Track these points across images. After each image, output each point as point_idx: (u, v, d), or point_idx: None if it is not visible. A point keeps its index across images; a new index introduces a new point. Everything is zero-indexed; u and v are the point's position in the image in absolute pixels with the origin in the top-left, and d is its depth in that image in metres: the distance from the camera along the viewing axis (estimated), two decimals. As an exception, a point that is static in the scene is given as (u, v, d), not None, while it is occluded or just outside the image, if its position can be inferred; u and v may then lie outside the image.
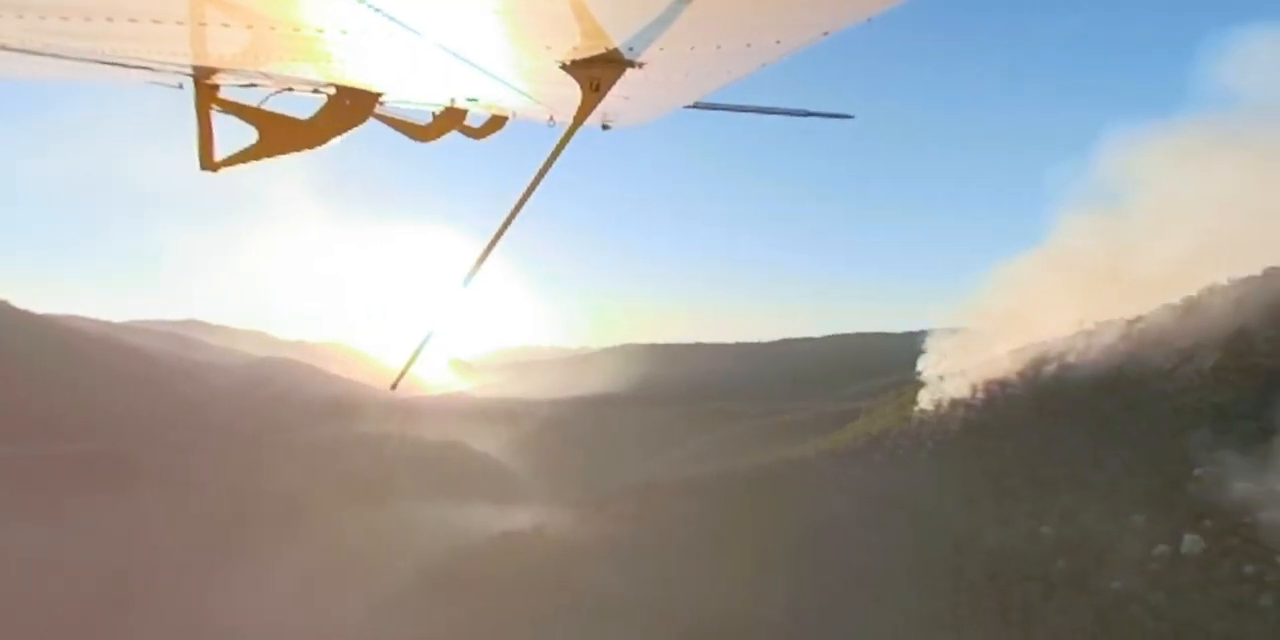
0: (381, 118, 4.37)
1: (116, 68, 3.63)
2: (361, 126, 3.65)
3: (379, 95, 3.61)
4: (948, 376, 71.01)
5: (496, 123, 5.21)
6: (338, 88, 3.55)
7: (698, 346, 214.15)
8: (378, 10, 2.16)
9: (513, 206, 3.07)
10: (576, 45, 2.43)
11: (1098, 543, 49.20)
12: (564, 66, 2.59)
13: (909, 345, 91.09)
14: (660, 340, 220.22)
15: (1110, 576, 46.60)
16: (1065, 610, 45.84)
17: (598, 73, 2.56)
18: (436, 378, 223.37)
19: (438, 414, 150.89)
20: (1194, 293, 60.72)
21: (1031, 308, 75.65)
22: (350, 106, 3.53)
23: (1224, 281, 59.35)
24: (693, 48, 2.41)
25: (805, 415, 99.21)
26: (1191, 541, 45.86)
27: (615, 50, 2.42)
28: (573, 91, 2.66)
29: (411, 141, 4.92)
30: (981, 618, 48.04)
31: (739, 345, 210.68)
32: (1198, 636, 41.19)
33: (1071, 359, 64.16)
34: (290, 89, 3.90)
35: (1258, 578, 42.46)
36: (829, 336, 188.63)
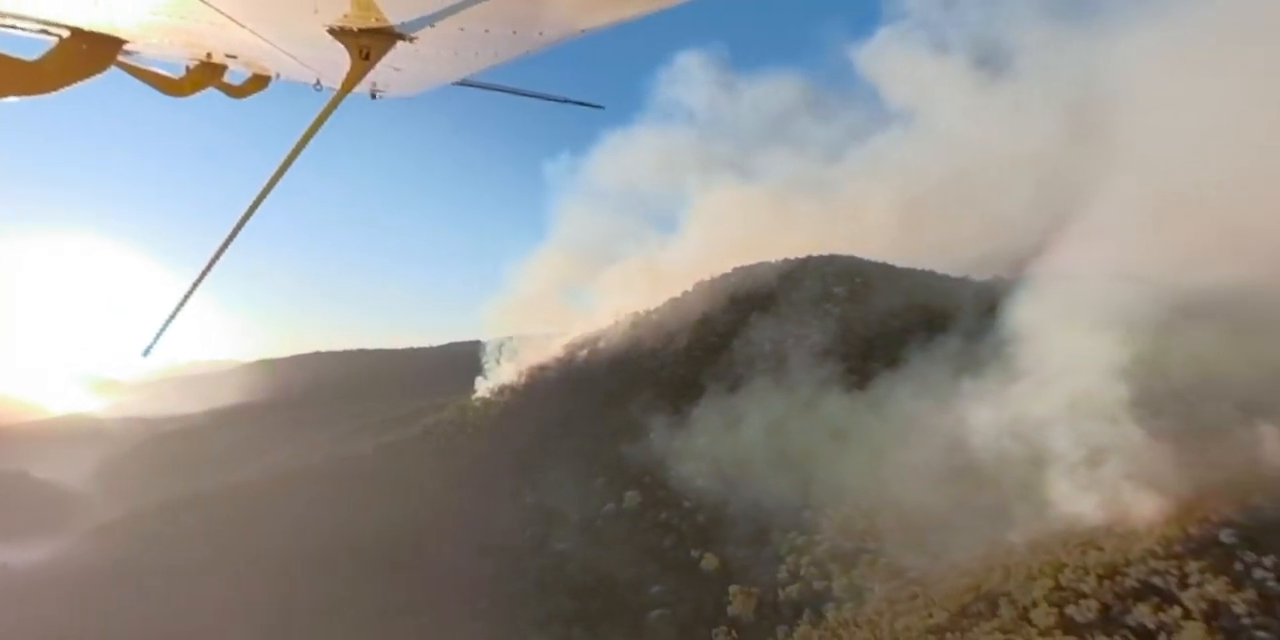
0: (125, 66, 3.57)
1: None
2: (102, 74, 3.18)
3: (122, 42, 3.16)
4: (504, 364, 72.89)
5: (259, 81, 4.35)
6: (72, 30, 3.07)
7: (364, 353, 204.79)
8: None
9: (274, 171, 2.96)
10: (346, 13, 2.37)
11: (565, 507, 52.80)
12: (333, 32, 2.49)
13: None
14: (335, 347, 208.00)
15: (561, 539, 49.96)
16: (515, 577, 47.72)
17: (367, 42, 2.51)
18: (62, 398, 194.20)
19: (28, 439, 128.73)
20: (690, 288, 70.80)
21: (590, 301, 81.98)
22: (88, 52, 3.06)
23: (707, 278, 70.34)
24: (462, 28, 2.44)
25: (406, 412, 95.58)
26: (631, 497, 51.21)
27: (386, 22, 2.41)
28: (341, 57, 2.60)
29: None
30: (445, 595, 47.82)
31: (408, 350, 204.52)
32: (611, 585, 45.29)
33: (602, 344, 70.00)
34: (14, 27, 3.21)
35: (667, 523, 48.51)
36: (495, 339, 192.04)
